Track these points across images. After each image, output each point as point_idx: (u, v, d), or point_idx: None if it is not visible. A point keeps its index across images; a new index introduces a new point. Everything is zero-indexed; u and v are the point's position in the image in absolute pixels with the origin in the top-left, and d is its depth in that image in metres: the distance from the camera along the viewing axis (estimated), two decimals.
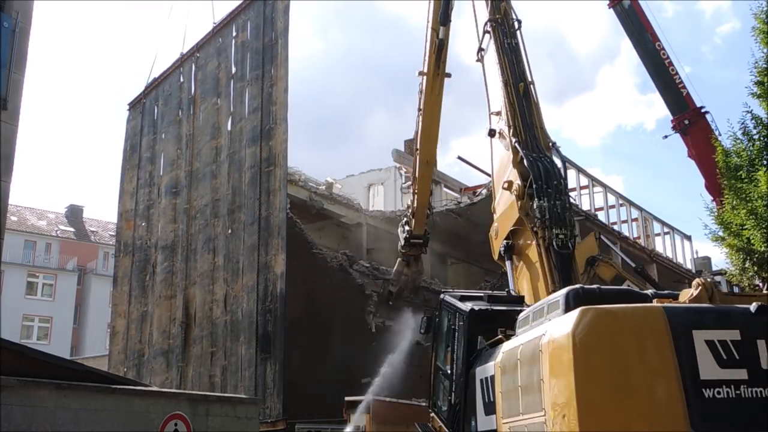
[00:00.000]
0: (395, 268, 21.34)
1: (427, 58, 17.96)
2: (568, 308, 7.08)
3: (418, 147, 18.96)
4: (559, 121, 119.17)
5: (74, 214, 58.59)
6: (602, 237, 22.24)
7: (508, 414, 7.71)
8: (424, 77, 18.06)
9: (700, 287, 7.02)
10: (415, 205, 19.57)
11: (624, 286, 11.10)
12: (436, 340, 10.64)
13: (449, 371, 9.86)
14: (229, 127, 22.80)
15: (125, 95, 72.05)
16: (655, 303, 6.93)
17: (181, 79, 25.79)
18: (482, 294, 10.55)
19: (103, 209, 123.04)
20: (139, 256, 25.55)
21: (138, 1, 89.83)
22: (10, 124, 10.55)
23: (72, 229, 56.78)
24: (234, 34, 23.53)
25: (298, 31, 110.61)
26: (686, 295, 7.14)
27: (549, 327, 7.03)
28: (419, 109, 18.52)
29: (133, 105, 28.02)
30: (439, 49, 17.67)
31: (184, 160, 24.36)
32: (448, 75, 18.11)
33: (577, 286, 7.84)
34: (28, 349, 10.61)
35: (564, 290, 7.58)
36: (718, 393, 6.11)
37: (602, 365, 6.28)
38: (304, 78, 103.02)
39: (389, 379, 17.53)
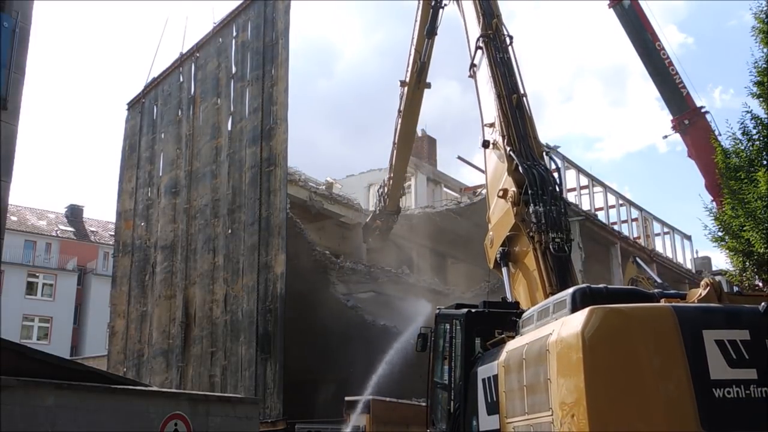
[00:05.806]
0: (368, 222, 24.99)
1: (409, 73, 20.20)
2: (575, 307, 7.02)
3: (396, 142, 21.87)
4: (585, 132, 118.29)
5: (74, 214, 58.46)
6: (637, 259, 24.69)
7: (512, 413, 7.63)
8: (406, 87, 20.52)
9: (708, 287, 6.95)
10: (390, 187, 23.25)
11: (632, 286, 11.15)
12: (433, 356, 10.55)
13: (447, 381, 9.83)
14: (229, 127, 22.77)
15: (125, 95, 72.01)
16: (662, 302, 6.87)
17: (181, 79, 25.76)
18: (477, 304, 10.53)
19: (103, 209, 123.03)
20: (138, 255, 25.53)
21: (138, 1, 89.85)
22: (10, 124, 10.52)
23: (72, 229, 56.68)
24: (234, 34, 23.52)
25: (356, 26, 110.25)
26: (694, 295, 7.07)
27: (556, 326, 6.95)
28: (399, 111, 21.31)
29: (132, 105, 27.99)
30: (420, 69, 19.91)
31: (184, 159, 24.33)
32: (428, 86, 20.76)
33: (584, 285, 7.76)
34: (28, 349, 10.60)
35: (571, 289, 7.49)
36: (728, 393, 6.08)
37: (612, 365, 6.23)
38: (367, 71, 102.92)
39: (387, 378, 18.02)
